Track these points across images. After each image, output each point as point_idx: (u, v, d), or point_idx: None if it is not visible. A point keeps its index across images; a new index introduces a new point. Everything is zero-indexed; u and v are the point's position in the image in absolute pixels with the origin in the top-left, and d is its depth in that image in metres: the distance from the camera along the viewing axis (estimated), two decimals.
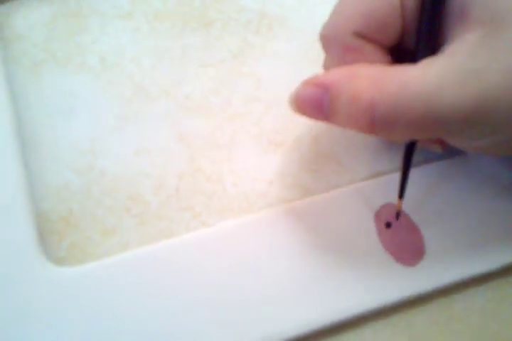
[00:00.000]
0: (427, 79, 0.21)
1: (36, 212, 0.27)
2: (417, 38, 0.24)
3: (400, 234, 0.28)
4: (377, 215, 0.28)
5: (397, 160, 0.30)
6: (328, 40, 0.25)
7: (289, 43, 0.33)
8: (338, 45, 0.25)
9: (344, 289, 0.26)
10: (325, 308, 0.26)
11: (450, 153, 0.29)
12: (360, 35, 0.24)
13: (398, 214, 0.28)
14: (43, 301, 0.25)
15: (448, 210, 0.28)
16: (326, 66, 0.27)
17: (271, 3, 0.34)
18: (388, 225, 0.28)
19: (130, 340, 0.25)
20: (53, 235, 0.27)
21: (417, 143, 0.26)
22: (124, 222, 0.28)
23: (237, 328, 0.25)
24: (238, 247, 0.27)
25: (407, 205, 0.28)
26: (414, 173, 0.29)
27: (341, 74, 0.23)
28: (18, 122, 0.29)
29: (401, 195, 0.27)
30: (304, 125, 0.31)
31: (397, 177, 0.28)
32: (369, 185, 0.29)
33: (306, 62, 0.33)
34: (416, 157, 0.29)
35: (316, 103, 0.23)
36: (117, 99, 0.30)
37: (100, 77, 0.31)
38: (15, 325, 0.24)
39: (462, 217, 0.28)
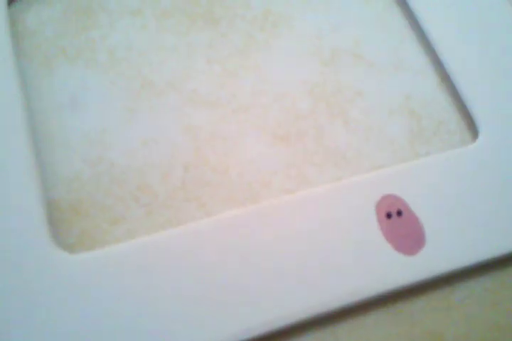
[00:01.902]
0: None
1: (47, 201, 0.28)
2: None
3: (400, 224, 0.28)
4: (378, 206, 0.29)
5: (399, 154, 0.31)
6: None
7: (292, 40, 0.34)
8: None
9: (345, 277, 0.27)
10: (326, 296, 0.27)
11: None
12: None
13: (400, 213, 0.28)
14: (53, 286, 0.26)
15: (448, 200, 0.29)
16: None
17: (276, 1, 0.35)
18: (389, 215, 0.29)
19: (137, 325, 0.25)
20: (64, 223, 0.28)
21: None
22: (133, 211, 0.28)
23: (241, 314, 0.26)
24: (242, 236, 0.27)
25: (408, 195, 0.28)
26: (416, 164, 0.29)
27: None
28: (31, 114, 0.30)
29: None
30: (307, 118, 0.32)
31: (398, 169, 0.29)
32: (371, 176, 0.30)
33: (309, 58, 0.33)
34: (418, 149, 0.30)
35: None
36: (126, 92, 0.31)
37: (109, 71, 0.32)
38: (26, 309, 0.25)
39: (462, 206, 0.29)
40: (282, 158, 0.30)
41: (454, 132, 0.32)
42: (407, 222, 0.28)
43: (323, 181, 0.30)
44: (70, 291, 0.26)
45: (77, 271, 0.26)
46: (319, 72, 0.33)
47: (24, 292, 0.25)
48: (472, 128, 0.31)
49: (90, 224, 0.28)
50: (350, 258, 0.27)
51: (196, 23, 0.34)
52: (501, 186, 0.30)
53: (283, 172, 0.30)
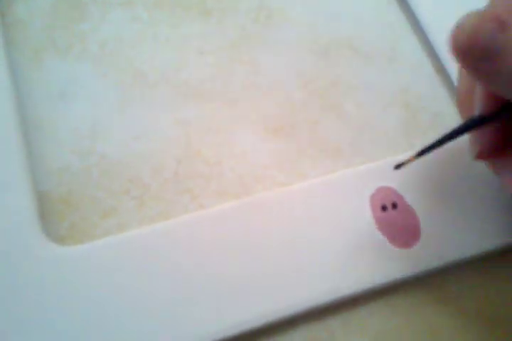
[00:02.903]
0: None
1: (37, 193, 0.27)
2: None
3: (395, 217, 0.28)
4: (373, 198, 0.28)
5: (393, 147, 0.31)
6: None
7: (287, 32, 0.34)
8: None
9: (339, 270, 0.27)
10: (320, 288, 0.26)
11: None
12: None
13: (395, 205, 0.28)
14: (43, 278, 0.25)
15: (443, 193, 0.29)
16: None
17: None
18: (384, 208, 0.28)
19: (128, 317, 0.25)
20: (54, 215, 0.27)
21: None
22: (123, 203, 0.28)
23: (233, 307, 0.26)
24: (235, 229, 0.27)
25: (403, 188, 0.28)
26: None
27: None
28: (21, 107, 0.29)
29: (420, 154, 0.25)
30: (301, 111, 0.31)
31: (392, 162, 0.28)
32: (365, 169, 0.29)
33: (303, 50, 0.33)
34: (413, 141, 0.30)
35: (488, 40, 0.20)
36: (117, 85, 0.31)
37: (100, 63, 0.31)
38: (16, 301, 0.25)
39: (457, 199, 0.29)
40: (275, 151, 0.30)
41: (449, 125, 0.32)
42: (403, 214, 0.28)
43: (317, 174, 0.30)
44: (60, 283, 0.25)
45: (67, 263, 0.26)
46: (313, 65, 0.33)
47: (14, 284, 0.25)
48: None
49: (81, 216, 0.28)
50: (345, 250, 0.27)
51: (189, 14, 0.34)
52: (496, 179, 0.29)
53: (276, 165, 0.30)
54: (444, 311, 0.27)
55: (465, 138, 0.30)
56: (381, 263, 0.27)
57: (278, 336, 0.26)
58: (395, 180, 0.29)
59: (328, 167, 0.30)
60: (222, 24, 0.33)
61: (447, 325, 0.27)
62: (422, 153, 0.25)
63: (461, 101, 0.26)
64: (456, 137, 0.24)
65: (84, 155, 0.29)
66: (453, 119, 0.32)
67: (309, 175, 0.30)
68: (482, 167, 0.29)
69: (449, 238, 0.28)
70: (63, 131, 0.29)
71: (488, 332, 0.27)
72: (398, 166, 0.26)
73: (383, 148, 0.31)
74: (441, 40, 0.33)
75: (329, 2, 0.35)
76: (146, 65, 0.32)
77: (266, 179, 0.29)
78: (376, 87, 0.32)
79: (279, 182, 0.29)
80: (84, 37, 0.32)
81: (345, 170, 0.29)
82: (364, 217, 0.28)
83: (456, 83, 0.31)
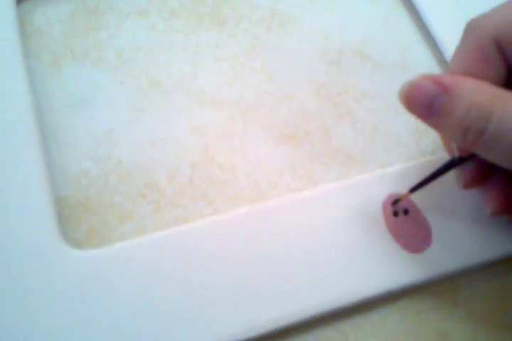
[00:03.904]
0: None
1: (56, 198, 0.28)
2: None
3: (407, 222, 0.28)
4: (385, 204, 0.29)
5: (405, 154, 0.31)
6: (472, 28, 0.25)
7: (299, 40, 0.34)
8: (475, 40, 0.25)
9: (351, 275, 0.27)
10: (333, 293, 0.27)
11: None
12: (498, 44, 0.24)
13: (406, 211, 0.29)
14: (62, 282, 0.26)
15: (455, 199, 0.29)
16: (456, 53, 0.26)
17: (283, 2, 0.35)
18: (395, 214, 0.29)
19: (144, 320, 0.25)
20: (72, 220, 0.28)
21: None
22: (140, 208, 0.28)
23: (248, 311, 0.26)
24: (249, 233, 0.28)
25: (415, 194, 0.29)
26: (423, 163, 0.30)
27: (467, 82, 0.23)
28: (39, 113, 0.30)
29: (413, 190, 0.28)
30: (314, 119, 0.32)
31: (404, 168, 0.29)
32: (377, 175, 0.30)
33: (315, 58, 0.34)
34: (424, 148, 0.30)
35: (428, 99, 0.23)
36: (133, 92, 0.31)
37: (117, 70, 0.32)
38: (35, 304, 0.25)
39: (468, 205, 0.29)
40: (289, 157, 0.31)
41: None
42: (414, 220, 0.29)
43: (330, 180, 0.30)
44: (78, 287, 0.26)
45: (85, 267, 0.26)
46: (326, 72, 0.33)
47: (33, 287, 0.26)
48: None
49: (98, 221, 0.28)
50: (357, 256, 0.28)
51: (203, 23, 0.34)
52: None
53: (290, 171, 0.30)
54: (455, 315, 0.28)
55: None
56: (393, 268, 0.27)
57: (294, 339, 0.26)
58: (406, 187, 0.29)
59: (341, 173, 0.30)
60: (236, 32, 0.34)
61: (458, 329, 0.27)
62: (415, 188, 0.28)
63: (443, 139, 0.29)
64: (442, 174, 0.27)
65: (101, 160, 0.29)
66: None
67: (322, 181, 0.30)
68: None
69: (460, 243, 0.28)
70: (81, 138, 0.30)
71: (498, 336, 0.27)
72: (395, 202, 0.29)
73: (395, 154, 0.31)
74: (451, 48, 0.33)
75: (340, 11, 0.35)
76: (162, 73, 0.32)
77: (279, 185, 0.30)
78: (387, 94, 0.33)
79: (292, 187, 0.30)
80: (102, 45, 0.33)
81: (357, 177, 0.30)
82: (376, 222, 0.28)
83: None
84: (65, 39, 0.33)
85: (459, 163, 0.26)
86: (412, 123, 0.32)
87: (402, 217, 0.29)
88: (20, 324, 0.25)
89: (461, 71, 0.25)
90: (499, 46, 0.24)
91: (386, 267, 0.27)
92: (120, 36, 0.33)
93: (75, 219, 0.28)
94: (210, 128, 0.31)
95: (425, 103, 0.24)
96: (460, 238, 0.28)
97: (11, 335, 0.25)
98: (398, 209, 0.29)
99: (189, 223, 0.28)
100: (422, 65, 0.34)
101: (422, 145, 0.32)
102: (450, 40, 0.34)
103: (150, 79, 0.32)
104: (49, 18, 0.33)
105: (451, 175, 0.28)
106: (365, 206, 0.29)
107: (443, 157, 0.30)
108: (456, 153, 0.26)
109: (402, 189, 0.29)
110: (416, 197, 0.29)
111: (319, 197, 0.29)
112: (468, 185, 0.27)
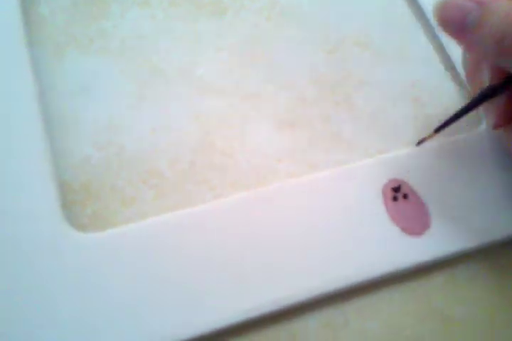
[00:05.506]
0: None
1: (60, 183, 0.28)
2: None
3: (406, 207, 0.29)
4: (385, 189, 0.29)
5: (403, 140, 0.31)
6: None
7: (299, 30, 0.35)
8: None
9: (352, 257, 0.27)
10: (333, 275, 0.27)
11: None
12: None
13: (406, 196, 0.29)
14: (66, 264, 0.26)
15: (453, 183, 0.29)
16: None
17: None
18: (395, 198, 0.29)
19: (146, 303, 0.26)
20: (76, 204, 0.28)
21: None
22: (143, 193, 0.29)
23: (249, 292, 0.26)
24: (250, 218, 0.28)
25: (414, 179, 0.29)
26: (422, 149, 0.30)
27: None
28: (43, 100, 0.30)
29: (438, 130, 0.29)
30: (314, 106, 0.32)
31: (403, 154, 0.29)
32: (377, 161, 0.30)
33: (314, 46, 0.34)
34: (423, 135, 0.30)
35: (462, 13, 0.24)
36: (135, 80, 0.32)
37: (119, 58, 0.32)
38: (39, 287, 0.26)
39: (467, 189, 0.29)
40: (289, 143, 0.31)
41: None
42: (413, 204, 0.29)
43: (330, 165, 0.30)
44: (82, 269, 0.26)
45: (89, 249, 0.27)
46: (325, 61, 0.34)
47: (38, 270, 0.26)
48: (476, 114, 0.32)
49: (101, 205, 0.28)
50: (357, 239, 0.28)
51: (203, 12, 0.34)
52: (505, 170, 0.30)
53: (289, 157, 0.31)
54: (454, 298, 0.28)
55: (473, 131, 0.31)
56: (393, 251, 0.28)
57: (295, 321, 0.27)
58: (405, 171, 0.29)
59: (341, 159, 0.31)
60: (235, 22, 0.34)
61: (458, 311, 0.28)
62: (440, 128, 0.28)
63: (469, 75, 0.29)
64: (471, 110, 0.27)
65: (104, 147, 0.30)
66: None
67: (322, 167, 0.30)
68: (492, 156, 0.30)
69: (459, 226, 0.28)
70: (84, 124, 0.30)
71: (498, 318, 0.28)
72: (420, 142, 0.29)
73: (393, 141, 0.31)
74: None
75: (340, 0, 0.36)
76: (164, 61, 0.33)
77: (280, 170, 0.30)
78: (386, 81, 0.33)
79: (292, 173, 0.30)
80: (105, 33, 0.33)
81: (357, 162, 0.30)
82: (376, 207, 0.29)
83: (464, 78, 0.32)
84: (68, 27, 0.33)
85: (491, 95, 0.26)
86: (410, 110, 0.32)
87: (402, 201, 0.29)
88: (27, 305, 0.25)
89: None
90: None
91: (386, 250, 0.28)
92: (123, 25, 0.34)
93: (79, 204, 0.28)
94: (210, 116, 0.31)
95: (459, 18, 0.24)
96: (459, 221, 0.29)
97: (16, 316, 0.25)
98: (397, 194, 0.29)
99: (191, 207, 0.28)
100: (421, 53, 0.34)
101: (420, 131, 0.32)
102: None
103: (152, 67, 0.32)
104: (52, 6, 0.34)
105: (454, 156, 0.29)
106: (365, 191, 0.29)
107: (443, 140, 0.30)
108: (489, 81, 0.26)
109: (402, 174, 0.29)
110: (415, 182, 0.29)
111: (319, 182, 0.29)
112: (499, 122, 0.27)
